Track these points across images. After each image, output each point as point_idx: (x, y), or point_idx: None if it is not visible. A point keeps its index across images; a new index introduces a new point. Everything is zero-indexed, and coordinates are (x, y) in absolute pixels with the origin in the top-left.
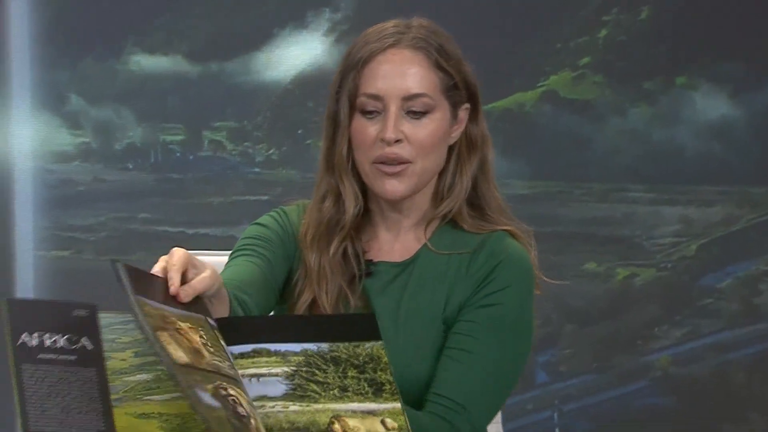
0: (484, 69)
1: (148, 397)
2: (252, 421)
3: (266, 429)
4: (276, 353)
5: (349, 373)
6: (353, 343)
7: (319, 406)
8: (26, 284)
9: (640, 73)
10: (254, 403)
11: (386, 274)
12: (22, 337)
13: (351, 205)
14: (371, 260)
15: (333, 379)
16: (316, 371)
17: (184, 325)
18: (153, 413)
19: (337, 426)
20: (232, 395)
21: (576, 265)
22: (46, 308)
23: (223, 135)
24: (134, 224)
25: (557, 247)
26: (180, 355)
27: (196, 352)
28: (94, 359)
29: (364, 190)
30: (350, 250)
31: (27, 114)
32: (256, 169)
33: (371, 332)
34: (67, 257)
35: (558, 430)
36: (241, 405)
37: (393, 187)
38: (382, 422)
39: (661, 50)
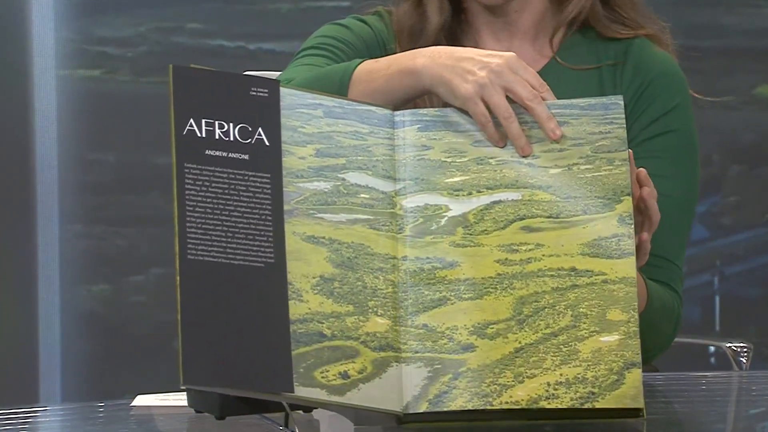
0: None
1: (321, 215)
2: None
3: None
4: None
5: None
6: None
7: None
8: (47, 111)
9: None
10: None
11: None
12: (189, 124)
13: (435, 14)
14: None
15: None
16: None
17: None
18: (323, 238)
19: None
20: None
21: (746, 89)
22: (220, 82)
23: None
24: (181, 36)
25: (722, 66)
26: None
27: None
28: (271, 161)
29: None
30: None
31: None
32: None
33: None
34: (97, 78)
35: (719, 297)
36: None
37: None
38: None
39: None
